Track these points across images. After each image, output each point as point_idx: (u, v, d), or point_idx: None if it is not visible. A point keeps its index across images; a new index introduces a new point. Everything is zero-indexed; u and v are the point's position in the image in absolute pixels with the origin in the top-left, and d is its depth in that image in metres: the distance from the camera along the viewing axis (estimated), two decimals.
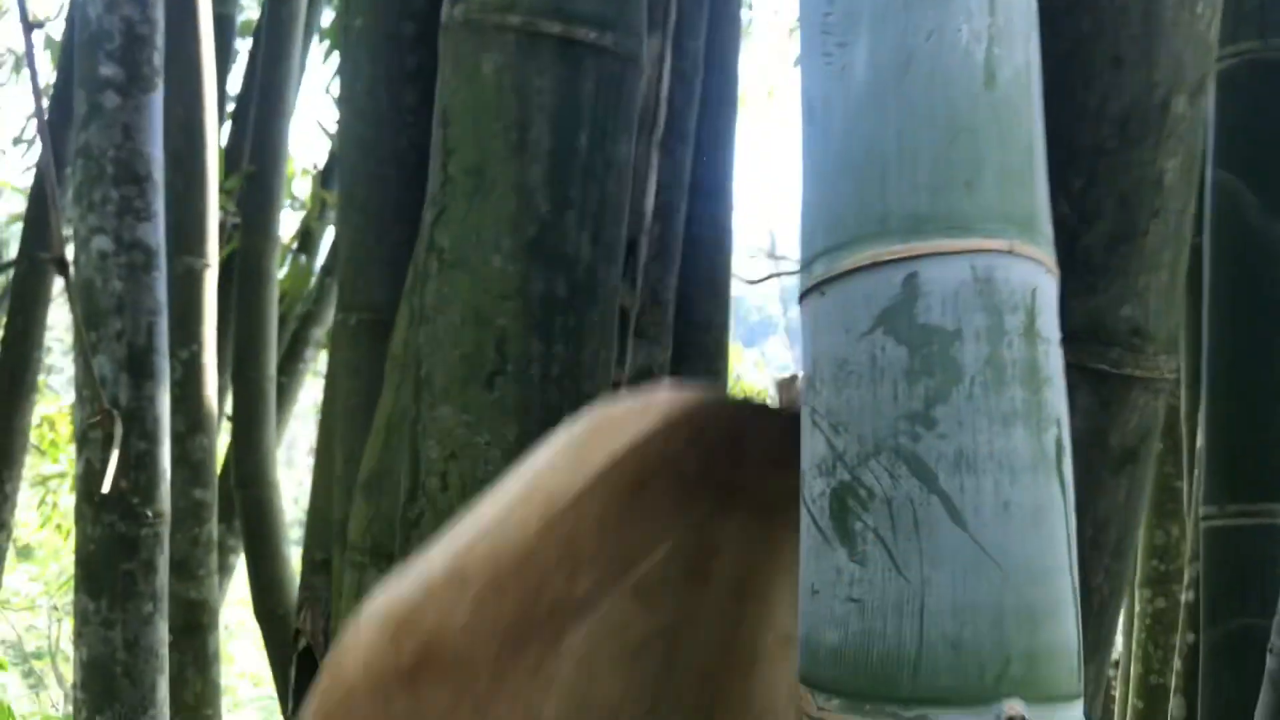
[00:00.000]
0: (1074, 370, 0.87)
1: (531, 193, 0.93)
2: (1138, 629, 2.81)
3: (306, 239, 4.05)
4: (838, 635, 0.68)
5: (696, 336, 2.28)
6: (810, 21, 0.76)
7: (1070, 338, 0.88)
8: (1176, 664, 2.17)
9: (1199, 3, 0.83)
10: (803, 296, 0.75)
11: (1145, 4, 0.83)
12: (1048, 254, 0.71)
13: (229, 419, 3.39)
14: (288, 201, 4.01)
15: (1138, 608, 2.82)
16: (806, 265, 0.75)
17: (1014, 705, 0.64)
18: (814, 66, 0.75)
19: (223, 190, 3.55)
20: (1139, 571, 2.88)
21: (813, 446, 0.72)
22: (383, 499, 1.04)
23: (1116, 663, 3.53)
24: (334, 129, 3.94)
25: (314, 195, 3.98)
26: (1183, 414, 2.06)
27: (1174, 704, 2.10)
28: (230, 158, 3.66)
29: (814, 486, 0.71)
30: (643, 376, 2.14)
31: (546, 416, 0.91)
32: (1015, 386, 0.67)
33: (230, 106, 3.89)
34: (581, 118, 0.95)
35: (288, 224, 3.88)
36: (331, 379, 1.37)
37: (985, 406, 0.67)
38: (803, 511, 0.72)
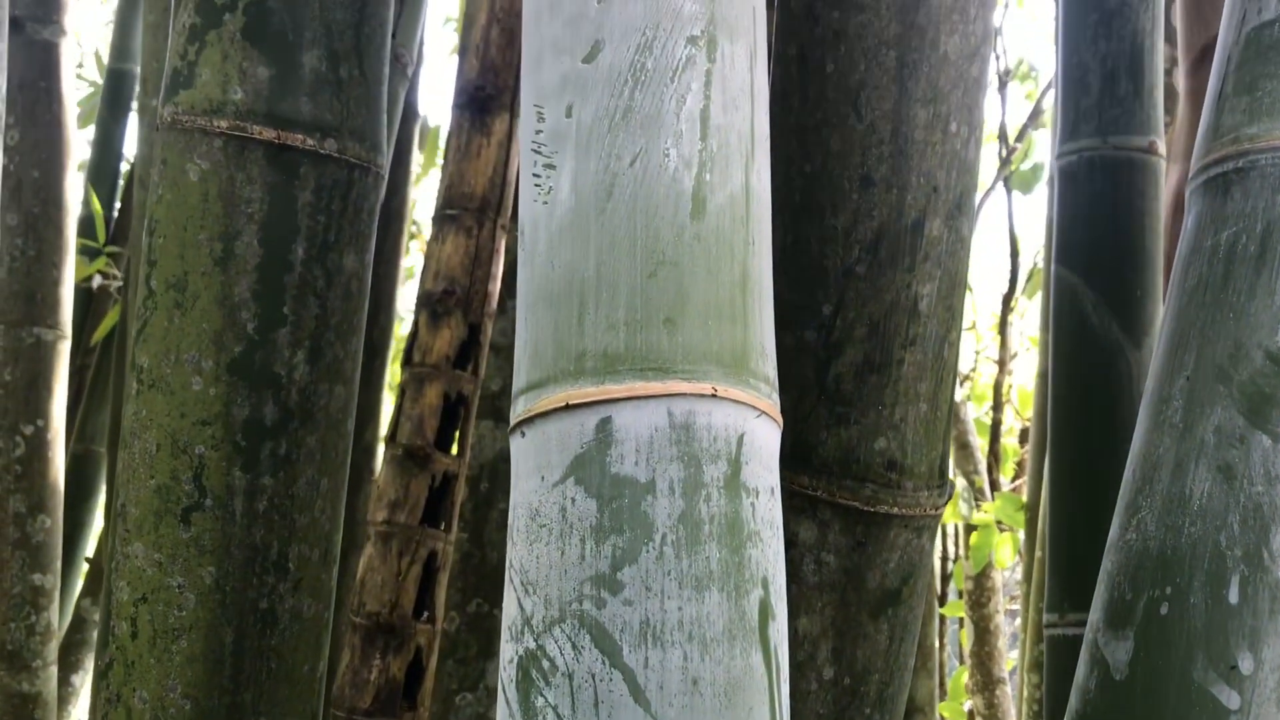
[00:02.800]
0: (826, 506, 0.82)
1: (237, 309, 0.86)
2: (1025, 714, 2.76)
3: None
4: None
5: None
6: (525, 139, 0.70)
7: (821, 471, 0.83)
8: None
9: (952, 121, 0.79)
10: (510, 435, 0.69)
11: (895, 123, 0.78)
12: (762, 396, 0.65)
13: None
14: None
15: (1025, 692, 2.78)
16: (514, 401, 0.69)
17: None
18: (526, 188, 0.70)
19: (106, 255, 3.45)
20: (1027, 655, 2.84)
21: (507, 606, 0.66)
22: None
23: None
24: None
25: None
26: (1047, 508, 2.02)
27: None
28: (127, 221, 3.55)
29: (505, 652, 0.65)
30: (500, 462, 2.07)
31: (250, 556, 0.84)
32: (712, 545, 0.61)
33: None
34: (297, 228, 0.88)
35: None
36: None
37: (676, 569, 0.61)
38: (498, 680, 0.66)
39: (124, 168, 3.73)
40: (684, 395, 0.63)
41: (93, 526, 3.40)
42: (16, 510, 2.20)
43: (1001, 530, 3.47)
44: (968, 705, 3.58)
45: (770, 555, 0.64)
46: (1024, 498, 3.31)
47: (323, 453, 0.88)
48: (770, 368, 0.67)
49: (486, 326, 1.66)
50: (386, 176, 0.94)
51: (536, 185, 0.68)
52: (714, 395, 0.63)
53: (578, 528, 0.62)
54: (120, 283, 3.54)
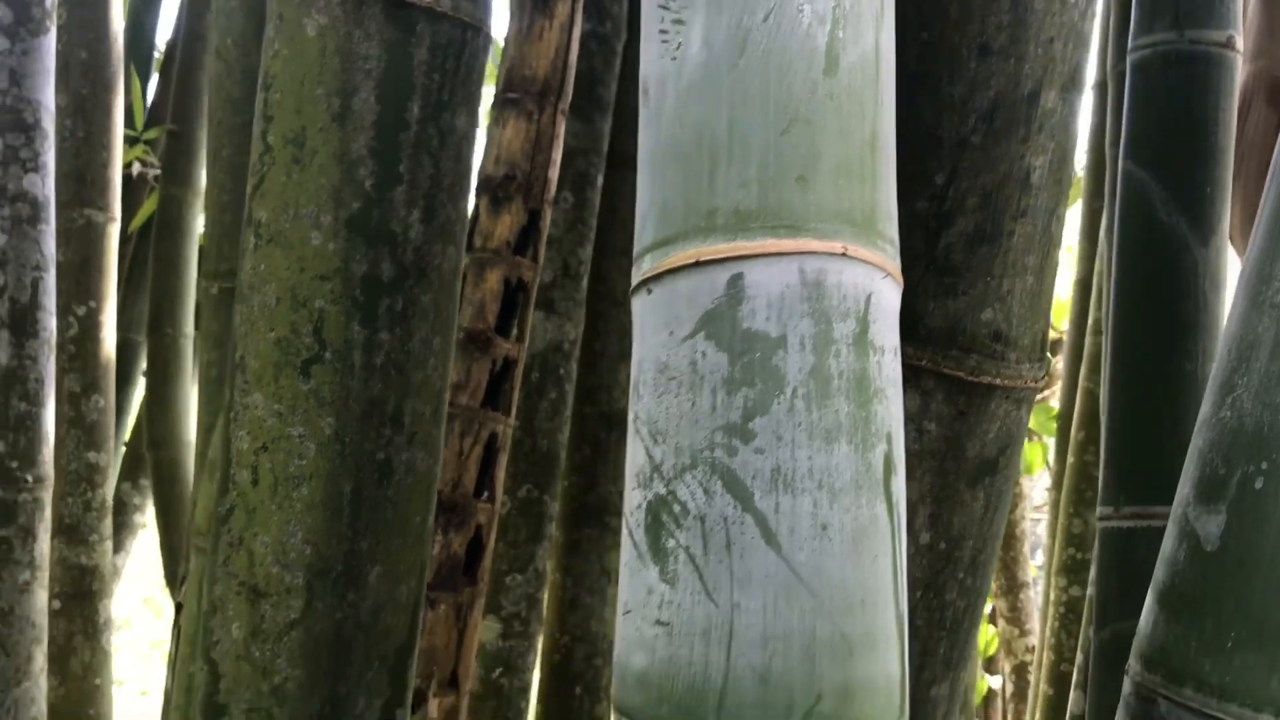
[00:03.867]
0: (930, 375, 0.83)
1: (355, 165, 0.86)
2: (1051, 616, 2.81)
3: None
4: (645, 659, 0.63)
5: (612, 311, 2.23)
6: None
7: (927, 341, 0.84)
8: (1079, 658, 2.16)
9: None
10: (633, 293, 0.70)
11: None
12: (888, 257, 0.66)
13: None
14: None
15: (1052, 595, 2.82)
16: (637, 260, 0.70)
17: None
18: (651, 43, 0.69)
19: (143, 142, 3.43)
20: (1055, 559, 2.88)
21: (633, 455, 0.67)
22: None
23: (1033, 648, 3.55)
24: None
25: None
26: (1104, 404, 2.03)
27: (1073, 699, 2.10)
28: (159, 109, 3.53)
29: (632, 498, 0.67)
30: (551, 353, 2.08)
31: (367, 409, 0.86)
32: (841, 399, 0.63)
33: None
34: (413, 86, 0.88)
35: None
36: (198, 350, 1.30)
37: (807, 421, 0.62)
38: (623, 525, 0.68)
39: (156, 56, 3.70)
40: (815, 254, 0.64)
41: (131, 413, 3.45)
42: (71, 390, 2.23)
43: (1031, 439, 3.49)
44: (990, 607, 3.64)
45: (893, 412, 0.65)
46: (1055, 407, 3.32)
47: (435, 311, 0.89)
48: (894, 230, 0.67)
49: (546, 213, 1.66)
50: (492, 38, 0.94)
51: (664, 41, 0.68)
52: (844, 254, 0.64)
53: (709, 380, 0.63)
54: (158, 170, 3.52)
